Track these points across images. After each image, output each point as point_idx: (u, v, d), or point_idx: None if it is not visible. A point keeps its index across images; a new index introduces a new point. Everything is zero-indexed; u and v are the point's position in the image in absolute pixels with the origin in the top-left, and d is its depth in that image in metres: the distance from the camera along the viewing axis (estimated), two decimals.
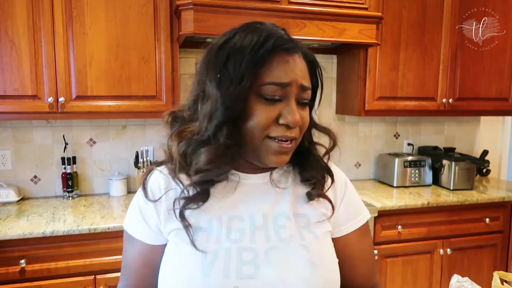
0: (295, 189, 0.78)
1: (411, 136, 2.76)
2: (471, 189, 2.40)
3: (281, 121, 0.68)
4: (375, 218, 2.04)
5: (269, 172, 0.78)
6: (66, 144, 2.14)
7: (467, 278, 0.76)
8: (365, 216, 0.84)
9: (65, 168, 2.12)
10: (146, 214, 0.75)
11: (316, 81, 0.75)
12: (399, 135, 2.74)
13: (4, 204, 2.00)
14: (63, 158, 2.11)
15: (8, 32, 1.76)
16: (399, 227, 2.10)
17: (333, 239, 0.79)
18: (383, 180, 2.58)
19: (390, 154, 2.57)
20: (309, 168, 0.78)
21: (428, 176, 2.49)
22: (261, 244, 0.70)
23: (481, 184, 2.58)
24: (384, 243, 2.08)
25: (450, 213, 2.20)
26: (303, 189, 0.78)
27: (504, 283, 0.78)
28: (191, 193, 0.71)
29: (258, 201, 0.75)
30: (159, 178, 0.76)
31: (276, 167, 0.78)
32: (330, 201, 0.78)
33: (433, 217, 2.17)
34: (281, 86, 0.67)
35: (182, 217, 0.70)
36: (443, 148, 2.71)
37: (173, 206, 0.72)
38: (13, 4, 1.75)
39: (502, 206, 2.30)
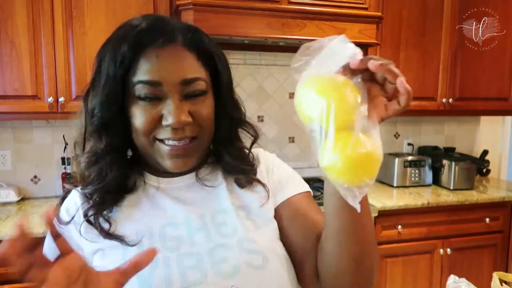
0: (228, 183, 0.72)
1: (411, 136, 2.76)
2: (471, 189, 2.40)
3: (163, 123, 0.63)
4: (375, 218, 2.04)
5: (195, 172, 0.72)
6: (66, 144, 2.13)
7: (463, 279, 0.76)
8: (305, 186, 0.76)
9: (65, 168, 2.12)
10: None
11: (216, 64, 0.68)
12: (399, 135, 2.74)
13: (4, 204, 2.00)
14: (63, 158, 2.11)
15: (8, 32, 1.76)
16: (399, 227, 2.10)
17: (280, 207, 0.72)
18: (383, 180, 2.58)
19: (390, 154, 2.57)
20: (232, 160, 0.72)
21: (428, 176, 2.49)
22: (203, 246, 0.64)
23: (481, 184, 2.58)
24: (384, 243, 2.08)
25: (450, 213, 2.20)
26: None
27: (504, 283, 0.78)
28: (95, 201, 0.67)
29: (190, 203, 0.69)
30: (75, 197, 0.70)
31: (202, 166, 0.74)
32: (259, 181, 0.72)
33: (433, 217, 2.17)
34: (151, 84, 0.62)
35: (98, 224, 0.65)
36: (443, 148, 2.71)
37: (85, 218, 0.66)
38: (13, 4, 1.75)
39: (502, 206, 2.30)
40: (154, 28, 0.64)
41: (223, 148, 0.73)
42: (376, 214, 2.02)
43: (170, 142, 0.63)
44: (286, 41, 2.10)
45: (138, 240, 0.64)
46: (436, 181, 2.50)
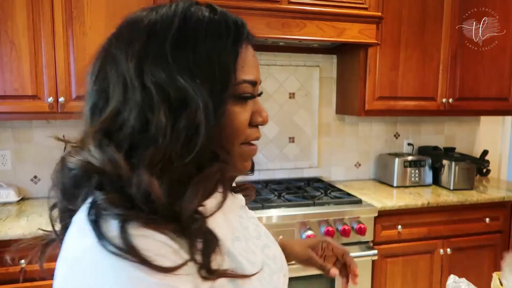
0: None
1: (411, 136, 2.76)
2: (471, 189, 2.40)
3: (259, 120, 0.59)
4: (375, 218, 2.04)
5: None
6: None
7: (463, 279, 0.76)
8: None
9: None
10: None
11: None
12: (399, 135, 2.74)
13: (4, 204, 2.00)
14: None
15: (8, 32, 1.76)
16: (399, 227, 2.10)
17: None
18: (383, 180, 2.58)
19: (390, 154, 2.57)
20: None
21: (428, 176, 2.49)
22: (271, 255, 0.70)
23: (481, 184, 2.58)
24: (384, 243, 2.08)
25: (450, 213, 2.20)
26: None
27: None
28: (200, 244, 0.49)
29: (241, 213, 0.70)
30: (159, 242, 0.45)
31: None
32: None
33: (433, 217, 2.17)
34: (254, 84, 0.57)
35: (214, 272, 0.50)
36: (443, 148, 2.71)
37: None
38: (13, 4, 1.75)
39: (502, 206, 2.30)
40: (242, 23, 0.58)
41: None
42: (376, 214, 2.02)
43: (254, 143, 0.60)
44: (286, 41, 2.10)
45: (258, 268, 0.58)
46: (436, 181, 2.50)
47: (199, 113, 0.48)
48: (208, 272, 0.48)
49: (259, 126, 0.60)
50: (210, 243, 0.49)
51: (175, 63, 0.48)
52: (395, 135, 2.73)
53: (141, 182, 0.44)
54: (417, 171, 2.46)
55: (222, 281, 0.51)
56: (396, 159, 2.44)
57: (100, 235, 0.43)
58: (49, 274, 1.68)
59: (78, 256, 0.44)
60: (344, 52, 2.43)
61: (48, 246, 0.57)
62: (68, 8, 1.81)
